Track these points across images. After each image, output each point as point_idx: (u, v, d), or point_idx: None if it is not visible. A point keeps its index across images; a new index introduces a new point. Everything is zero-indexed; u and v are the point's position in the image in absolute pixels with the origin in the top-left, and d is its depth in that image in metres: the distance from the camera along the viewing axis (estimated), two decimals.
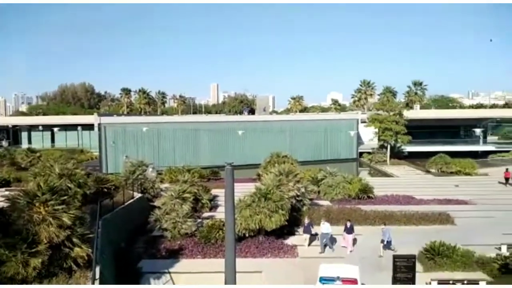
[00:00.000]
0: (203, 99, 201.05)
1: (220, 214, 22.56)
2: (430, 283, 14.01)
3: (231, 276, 7.02)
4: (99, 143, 45.84)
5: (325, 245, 18.26)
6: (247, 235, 18.45)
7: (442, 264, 15.74)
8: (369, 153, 53.17)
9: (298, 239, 19.71)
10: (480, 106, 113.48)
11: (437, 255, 16.02)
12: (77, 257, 11.65)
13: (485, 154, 57.50)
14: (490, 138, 73.11)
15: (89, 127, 56.52)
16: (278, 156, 34.88)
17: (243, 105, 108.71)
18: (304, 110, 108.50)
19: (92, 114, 57.39)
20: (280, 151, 36.44)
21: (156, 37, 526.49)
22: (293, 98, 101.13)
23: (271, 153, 35.92)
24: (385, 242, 17.60)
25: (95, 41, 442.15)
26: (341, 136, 55.31)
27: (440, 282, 14.13)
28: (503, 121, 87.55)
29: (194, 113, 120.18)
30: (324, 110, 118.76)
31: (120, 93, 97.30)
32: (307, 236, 18.85)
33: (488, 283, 14.13)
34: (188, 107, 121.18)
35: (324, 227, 18.37)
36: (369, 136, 55.92)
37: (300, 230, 20.27)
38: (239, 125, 52.35)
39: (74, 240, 11.75)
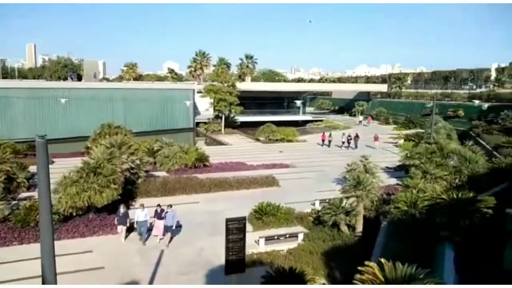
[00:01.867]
0: (16, 61, 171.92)
1: None
2: (258, 241, 15.34)
3: (48, 260, 6.15)
4: None
5: (141, 235, 15.72)
6: (74, 214, 16.76)
7: (269, 222, 17.37)
8: (205, 123, 54.49)
9: (132, 213, 18.89)
10: (300, 80, 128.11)
11: (265, 214, 17.58)
12: None
13: (304, 123, 65.42)
14: (308, 109, 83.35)
15: None
16: (110, 127, 32.47)
17: (68, 70, 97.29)
18: (139, 78, 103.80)
19: None
20: (112, 122, 34.02)
21: None
22: (127, 65, 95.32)
23: (101, 124, 33.23)
24: (173, 227, 15.73)
25: None
26: (178, 106, 54.97)
27: (267, 238, 15.62)
28: (318, 94, 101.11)
29: (5, 77, 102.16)
30: (160, 79, 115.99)
31: None
32: (123, 227, 15.75)
33: (305, 234, 16.27)
34: None
35: (141, 215, 15.83)
36: (205, 106, 57.22)
37: (136, 204, 19.50)
38: (63, 92, 46.71)
39: None
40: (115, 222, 16.11)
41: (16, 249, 14.85)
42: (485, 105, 50.26)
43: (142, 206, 16.39)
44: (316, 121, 66.72)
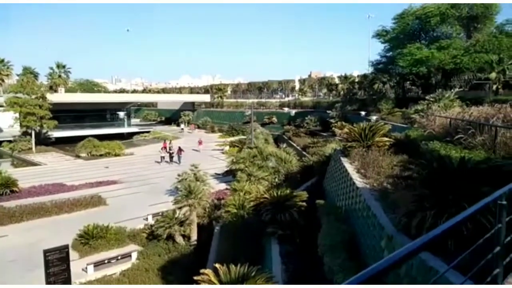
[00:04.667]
0: None
1: None
2: (86, 269, 13.89)
3: None
4: None
5: None
6: None
7: (98, 246, 15.96)
8: (10, 141, 46.65)
9: None
10: (123, 91, 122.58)
11: (92, 238, 16.09)
12: None
13: (130, 135, 62.83)
14: (133, 120, 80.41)
15: None
16: None
17: None
18: None
19: None
20: None
21: None
22: None
23: None
24: None
25: None
26: None
27: (96, 264, 14.31)
28: (142, 105, 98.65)
29: None
30: None
31: None
32: None
33: (139, 252, 15.53)
34: None
35: None
36: (9, 122, 49.00)
37: None
38: None
39: None
40: None
41: None
42: (293, 112, 57.62)
43: None
44: (143, 132, 64.91)
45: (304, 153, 32.00)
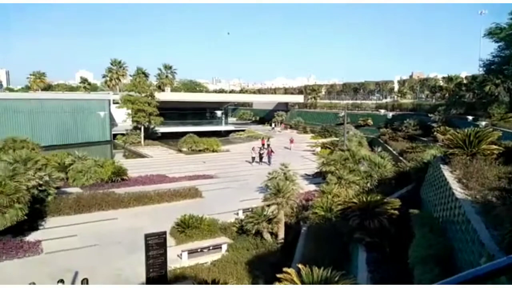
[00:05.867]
0: None
1: None
2: (181, 255, 14.98)
3: None
4: None
5: None
6: None
7: (192, 235, 17.07)
8: (123, 134, 52.19)
9: (43, 233, 17.49)
10: (222, 91, 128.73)
11: (187, 227, 17.27)
12: None
13: (227, 133, 65.80)
14: (230, 119, 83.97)
15: None
16: (14, 141, 29.74)
17: None
18: (49, 88, 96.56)
19: None
20: (17, 135, 31.17)
21: None
22: (33, 75, 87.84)
23: (4, 138, 30.26)
24: None
25: None
26: (92, 117, 51.97)
27: (190, 251, 15.34)
28: (239, 104, 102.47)
29: None
30: (72, 89, 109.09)
31: None
32: None
33: (229, 244, 16.26)
34: None
35: None
36: (123, 118, 54.84)
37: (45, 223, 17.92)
38: None
39: None
40: None
41: None
42: (390, 114, 54.88)
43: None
44: (238, 131, 67.45)
45: (400, 158, 30.33)
